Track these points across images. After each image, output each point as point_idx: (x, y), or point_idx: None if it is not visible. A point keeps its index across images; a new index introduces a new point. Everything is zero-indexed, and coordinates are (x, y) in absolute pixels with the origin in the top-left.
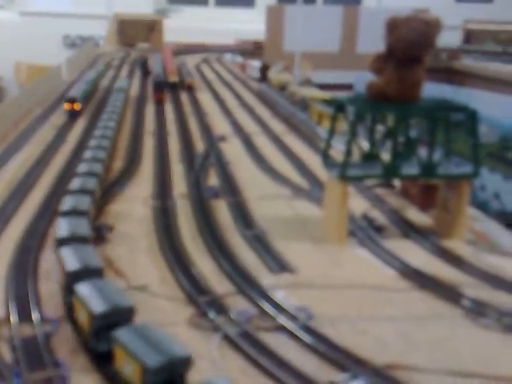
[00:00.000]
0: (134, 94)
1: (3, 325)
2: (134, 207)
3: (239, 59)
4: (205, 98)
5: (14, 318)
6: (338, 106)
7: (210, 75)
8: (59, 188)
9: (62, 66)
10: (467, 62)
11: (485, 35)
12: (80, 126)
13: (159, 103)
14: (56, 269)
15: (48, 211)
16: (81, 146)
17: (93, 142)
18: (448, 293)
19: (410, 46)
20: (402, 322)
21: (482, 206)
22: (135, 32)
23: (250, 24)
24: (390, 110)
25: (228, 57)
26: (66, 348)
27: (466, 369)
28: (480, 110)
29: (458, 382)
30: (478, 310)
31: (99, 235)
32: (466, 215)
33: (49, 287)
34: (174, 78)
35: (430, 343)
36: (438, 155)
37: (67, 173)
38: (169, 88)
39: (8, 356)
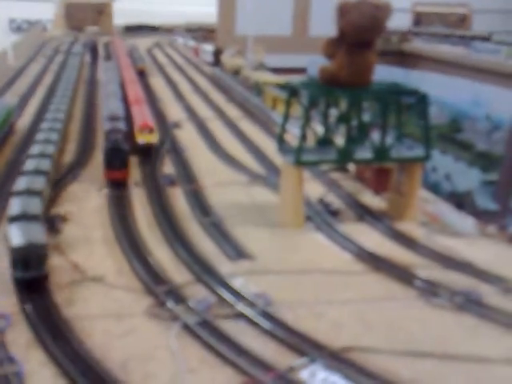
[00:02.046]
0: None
1: None
2: (88, 196)
3: (192, 43)
4: (157, 83)
5: None
6: (292, 91)
7: (163, 59)
8: (10, 177)
9: (8, 51)
10: (417, 45)
11: (433, 18)
12: None
13: (118, 184)
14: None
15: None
16: None
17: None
18: (402, 274)
19: (360, 31)
20: (357, 304)
21: (434, 187)
22: (84, 15)
23: (201, 7)
24: (343, 94)
25: (180, 41)
26: (20, 342)
27: (419, 348)
28: (431, 91)
29: (412, 361)
30: (431, 290)
31: (53, 226)
32: (418, 197)
33: (0, 280)
34: (149, 137)
35: (385, 324)
36: (390, 138)
37: None
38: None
39: None
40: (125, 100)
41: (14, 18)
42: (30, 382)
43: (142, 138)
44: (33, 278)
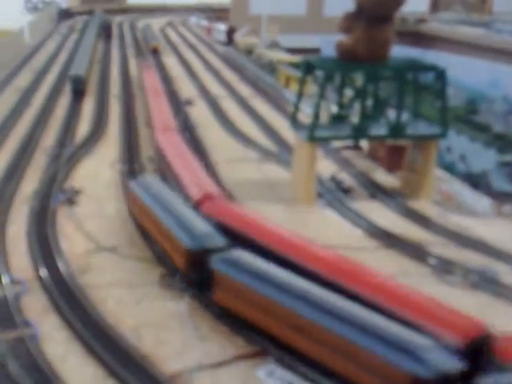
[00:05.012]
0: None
1: None
2: (101, 170)
3: (204, 22)
4: (170, 62)
5: None
6: (307, 67)
7: (176, 39)
8: (25, 151)
9: (25, 30)
10: (435, 26)
11: None
12: None
13: None
14: None
15: (15, 174)
16: None
17: None
18: (415, 251)
19: (379, 5)
20: None
21: (449, 168)
22: None
23: None
24: (360, 69)
25: (193, 20)
26: (36, 307)
27: None
28: (447, 73)
29: None
30: (445, 268)
31: (67, 198)
32: (433, 176)
33: (18, 248)
34: None
35: None
36: (405, 116)
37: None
38: None
39: None
40: None
41: None
42: (44, 346)
43: None
44: (79, 90)
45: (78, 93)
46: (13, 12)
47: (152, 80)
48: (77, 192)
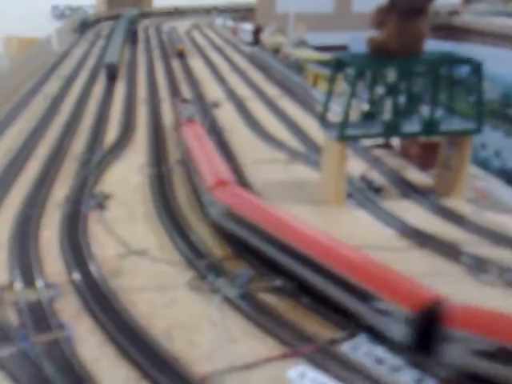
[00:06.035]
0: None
1: (9, 290)
2: (130, 175)
3: (230, 23)
4: (196, 64)
5: (18, 284)
6: (337, 64)
7: (201, 41)
8: (56, 158)
9: (52, 37)
10: (468, 18)
11: None
12: None
13: None
14: None
15: (47, 180)
16: None
17: None
18: (449, 250)
19: None
20: None
21: (483, 164)
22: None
23: None
24: (392, 64)
25: (219, 21)
26: (70, 310)
27: None
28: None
29: None
30: (480, 267)
31: (98, 203)
32: (468, 173)
33: (51, 253)
34: None
35: None
36: (439, 112)
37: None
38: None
39: (15, 320)
40: None
41: (56, 5)
42: (78, 348)
43: None
44: (113, 75)
45: (112, 78)
46: (40, 19)
47: (211, 161)
48: (107, 197)
